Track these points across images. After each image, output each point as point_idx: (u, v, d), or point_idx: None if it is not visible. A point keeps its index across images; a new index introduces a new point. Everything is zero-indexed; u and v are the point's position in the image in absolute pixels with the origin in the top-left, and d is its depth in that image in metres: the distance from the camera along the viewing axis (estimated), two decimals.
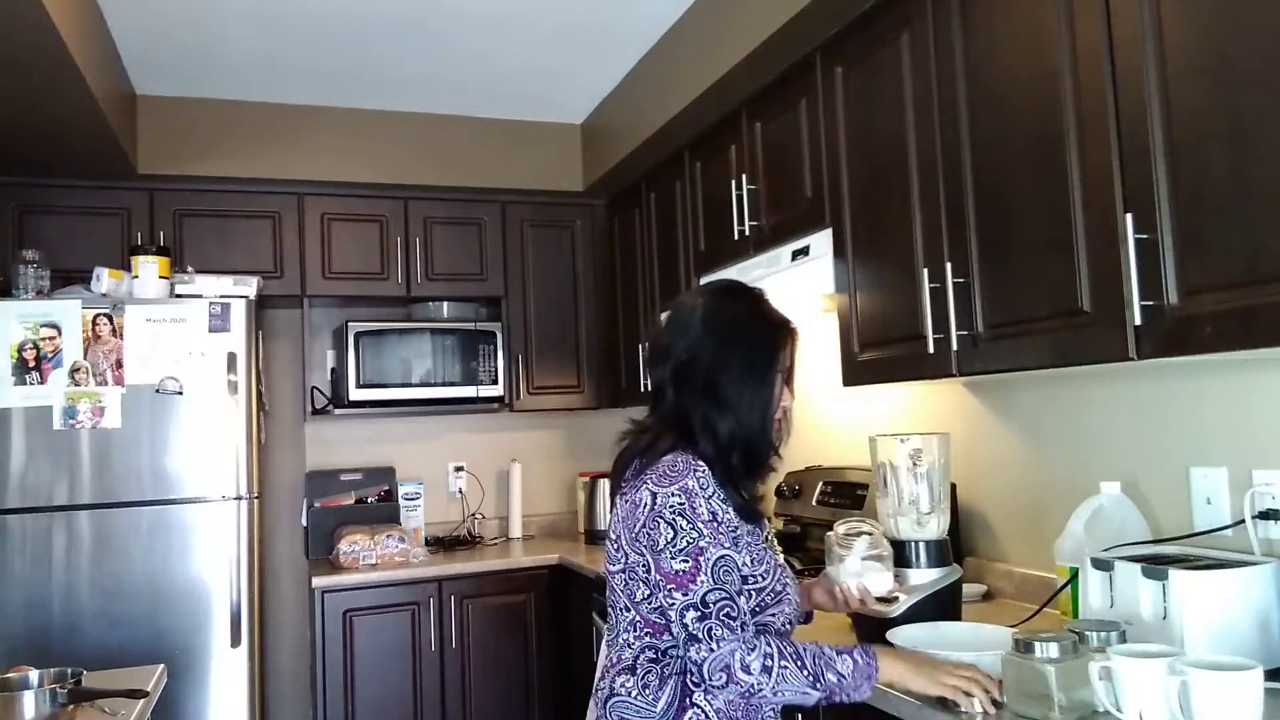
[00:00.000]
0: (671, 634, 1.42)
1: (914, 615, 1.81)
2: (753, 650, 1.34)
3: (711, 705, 1.40)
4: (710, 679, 1.34)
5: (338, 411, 3.71)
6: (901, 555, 1.90)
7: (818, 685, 1.35)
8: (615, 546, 1.49)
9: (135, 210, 3.42)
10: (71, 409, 2.91)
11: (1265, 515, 1.66)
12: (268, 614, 3.56)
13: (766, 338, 1.50)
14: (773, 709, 1.48)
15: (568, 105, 3.76)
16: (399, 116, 3.71)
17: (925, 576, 1.87)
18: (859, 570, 1.64)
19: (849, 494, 2.68)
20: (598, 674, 1.56)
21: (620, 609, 1.48)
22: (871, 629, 1.84)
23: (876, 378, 2.28)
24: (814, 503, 2.81)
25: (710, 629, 1.34)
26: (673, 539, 1.37)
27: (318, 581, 3.25)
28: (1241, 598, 1.51)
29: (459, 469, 4.06)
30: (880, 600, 1.71)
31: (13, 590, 2.85)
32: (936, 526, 1.90)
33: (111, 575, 2.93)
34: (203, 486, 3.02)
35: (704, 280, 3.06)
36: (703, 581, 1.35)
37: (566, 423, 4.20)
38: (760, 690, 1.34)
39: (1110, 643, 1.48)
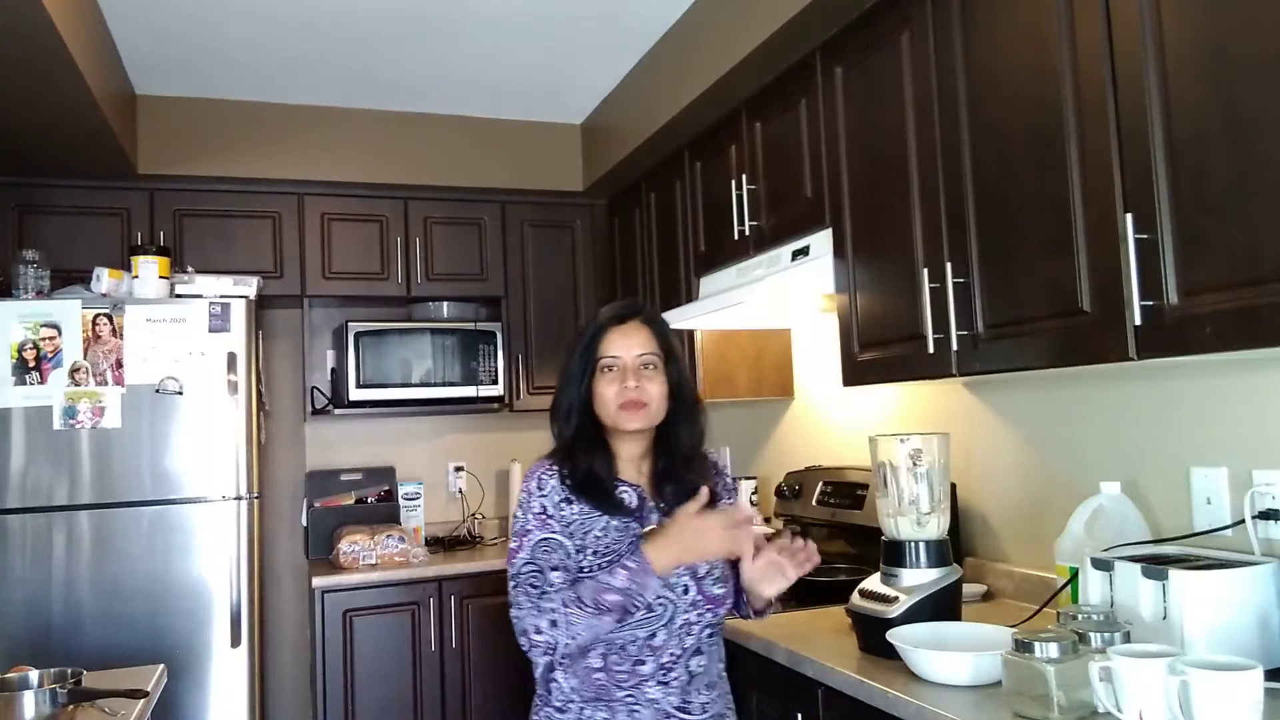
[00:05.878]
0: None
1: (914, 615, 1.81)
2: (541, 613, 1.50)
3: (566, 682, 1.57)
4: (519, 641, 1.52)
5: (338, 411, 3.71)
6: (901, 555, 1.90)
7: (603, 610, 1.48)
8: None
9: (135, 210, 3.42)
10: (71, 409, 2.91)
11: (1265, 515, 1.66)
12: (268, 614, 3.55)
13: (577, 339, 1.74)
14: (630, 683, 1.55)
15: (568, 105, 3.76)
16: (399, 116, 3.71)
17: (925, 577, 1.87)
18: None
19: (849, 494, 2.67)
20: None
21: None
22: (871, 629, 1.84)
23: (876, 378, 2.28)
24: (814, 503, 2.81)
25: (515, 597, 1.54)
26: (513, 524, 1.63)
27: (318, 581, 3.25)
28: (1241, 598, 1.51)
29: (459, 469, 4.06)
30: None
31: (13, 590, 2.84)
32: (936, 526, 1.90)
33: (112, 575, 2.92)
34: (203, 486, 3.02)
35: (703, 280, 3.06)
36: (522, 557, 1.56)
37: None
38: (557, 643, 1.49)
39: (1112, 642, 1.48)
